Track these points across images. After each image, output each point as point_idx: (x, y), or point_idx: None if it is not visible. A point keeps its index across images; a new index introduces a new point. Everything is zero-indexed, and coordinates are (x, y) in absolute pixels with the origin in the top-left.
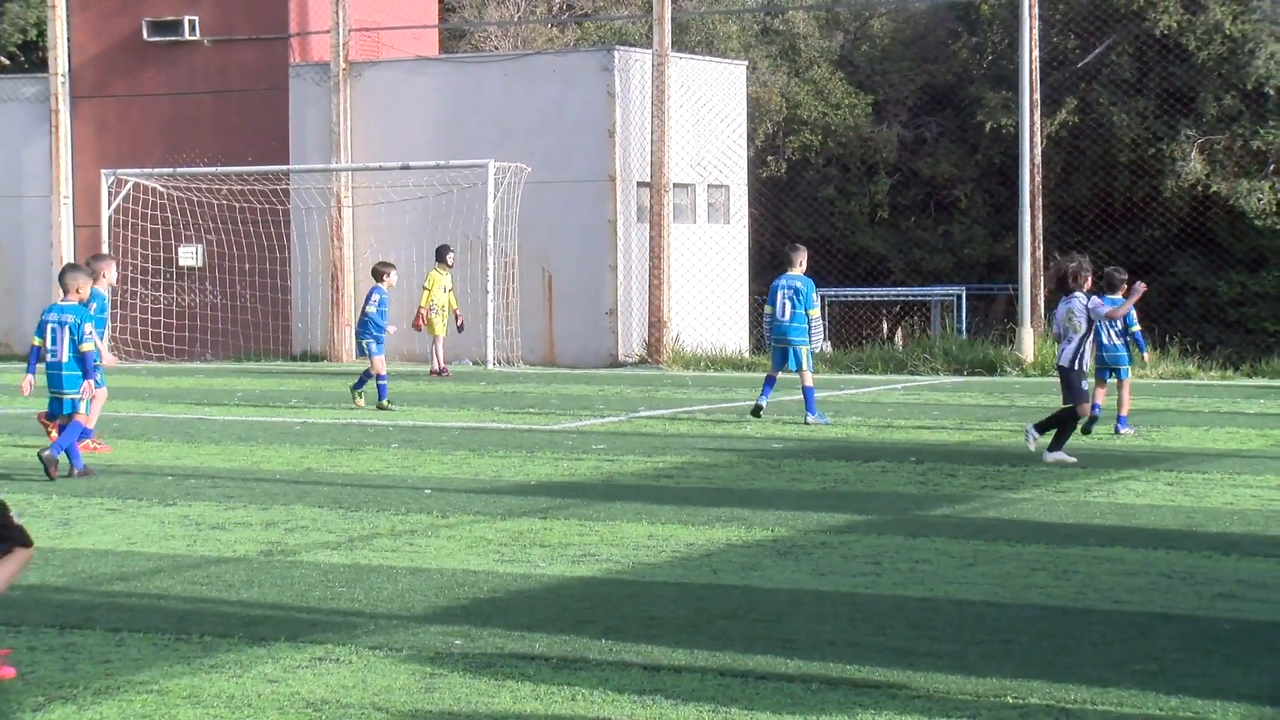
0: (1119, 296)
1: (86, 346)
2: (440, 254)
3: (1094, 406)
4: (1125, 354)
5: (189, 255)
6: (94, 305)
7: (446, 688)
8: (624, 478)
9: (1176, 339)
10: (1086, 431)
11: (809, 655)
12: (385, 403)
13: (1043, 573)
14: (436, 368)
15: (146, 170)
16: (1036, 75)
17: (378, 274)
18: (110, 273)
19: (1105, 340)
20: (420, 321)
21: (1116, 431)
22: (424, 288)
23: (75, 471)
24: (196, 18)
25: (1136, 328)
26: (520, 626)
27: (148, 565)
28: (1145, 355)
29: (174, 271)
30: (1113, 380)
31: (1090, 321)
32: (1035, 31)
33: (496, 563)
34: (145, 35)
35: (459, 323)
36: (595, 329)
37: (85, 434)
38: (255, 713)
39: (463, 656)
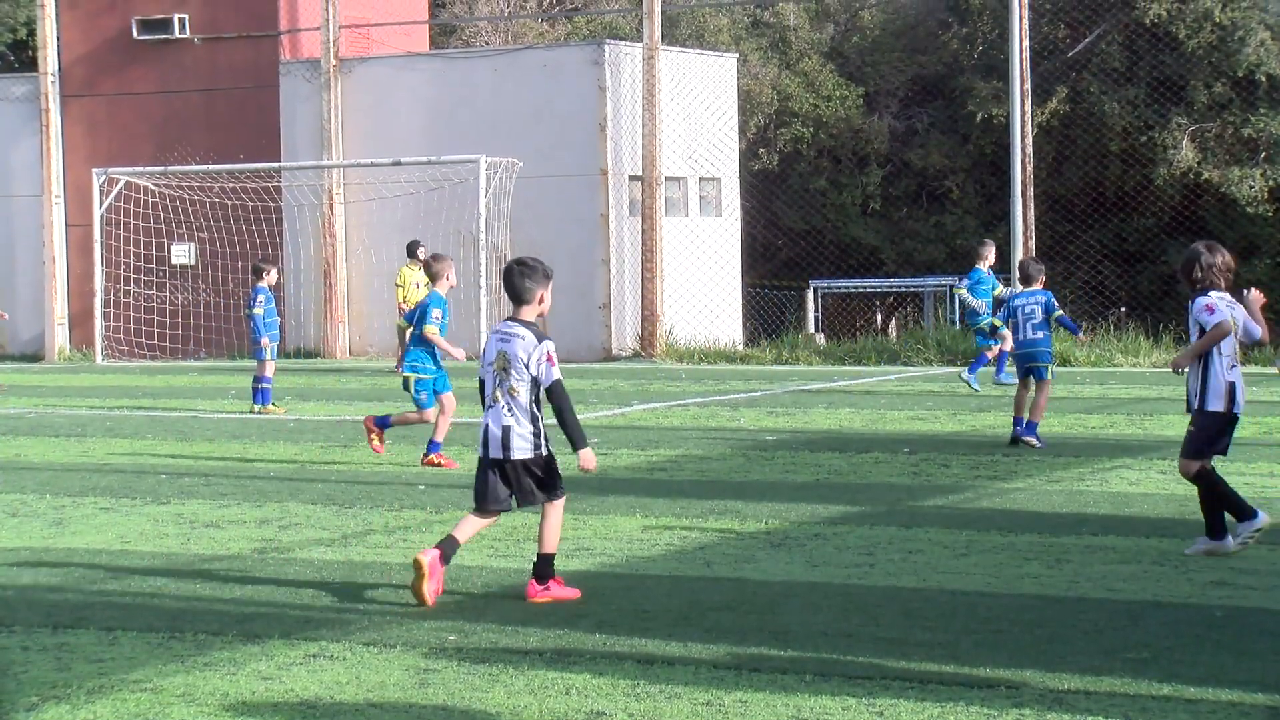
0: (1038, 287)
1: None
2: (410, 250)
3: (1017, 422)
4: (1047, 351)
5: (181, 253)
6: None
7: (440, 683)
8: (617, 471)
9: (1170, 327)
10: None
11: (802, 646)
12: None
13: (1036, 562)
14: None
15: (138, 169)
16: (1027, 65)
17: (259, 271)
18: (451, 274)
19: (1022, 336)
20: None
21: (1021, 439)
22: (396, 284)
23: None
24: (186, 16)
25: (1059, 312)
26: (514, 621)
27: (141, 564)
28: (1080, 336)
29: (166, 270)
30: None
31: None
32: (1025, 21)
33: (490, 558)
34: (135, 33)
35: None
36: (588, 323)
37: (432, 448)
38: (249, 710)
39: (456, 651)
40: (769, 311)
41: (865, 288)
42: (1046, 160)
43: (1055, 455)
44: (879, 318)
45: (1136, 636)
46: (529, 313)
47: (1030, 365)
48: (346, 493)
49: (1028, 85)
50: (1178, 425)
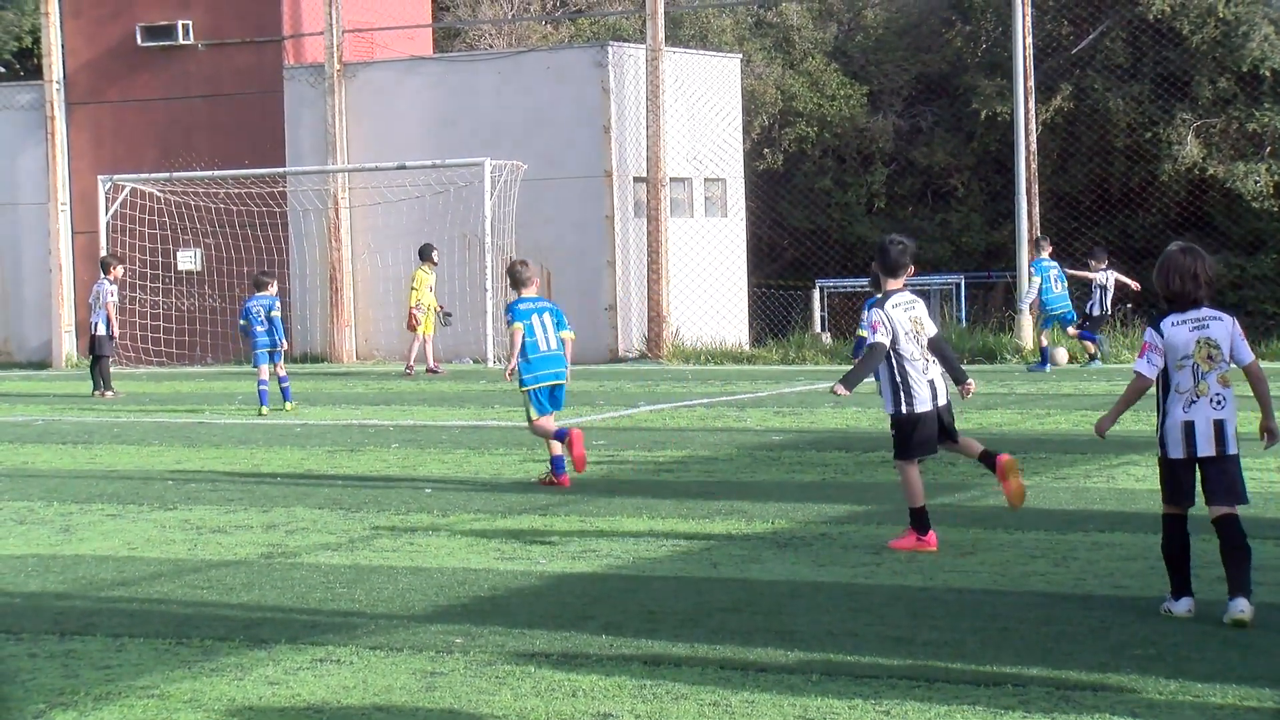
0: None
1: None
2: (425, 253)
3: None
4: None
5: (187, 259)
6: None
7: (447, 686)
8: (623, 472)
9: None
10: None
11: (809, 646)
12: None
13: (1042, 559)
14: (430, 366)
15: (143, 175)
16: (1030, 62)
17: (262, 284)
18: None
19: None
20: (413, 322)
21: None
22: (412, 288)
23: None
24: (190, 22)
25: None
26: (520, 624)
27: (148, 570)
28: None
29: (173, 276)
30: None
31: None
32: (1028, 19)
33: (496, 560)
34: (139, 40)
35: (442, 313)
36: (594, 325)
37: None
38: (256, 715)
39: (463, 655)
40: (775, 311)
41: (871, 287)
42: (1051, 158)
43: (1062, 453)
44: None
45: (1143, 634)
46: (900, 283)
47: None
48: (353, 497)
49: (1031, 83)
50: None
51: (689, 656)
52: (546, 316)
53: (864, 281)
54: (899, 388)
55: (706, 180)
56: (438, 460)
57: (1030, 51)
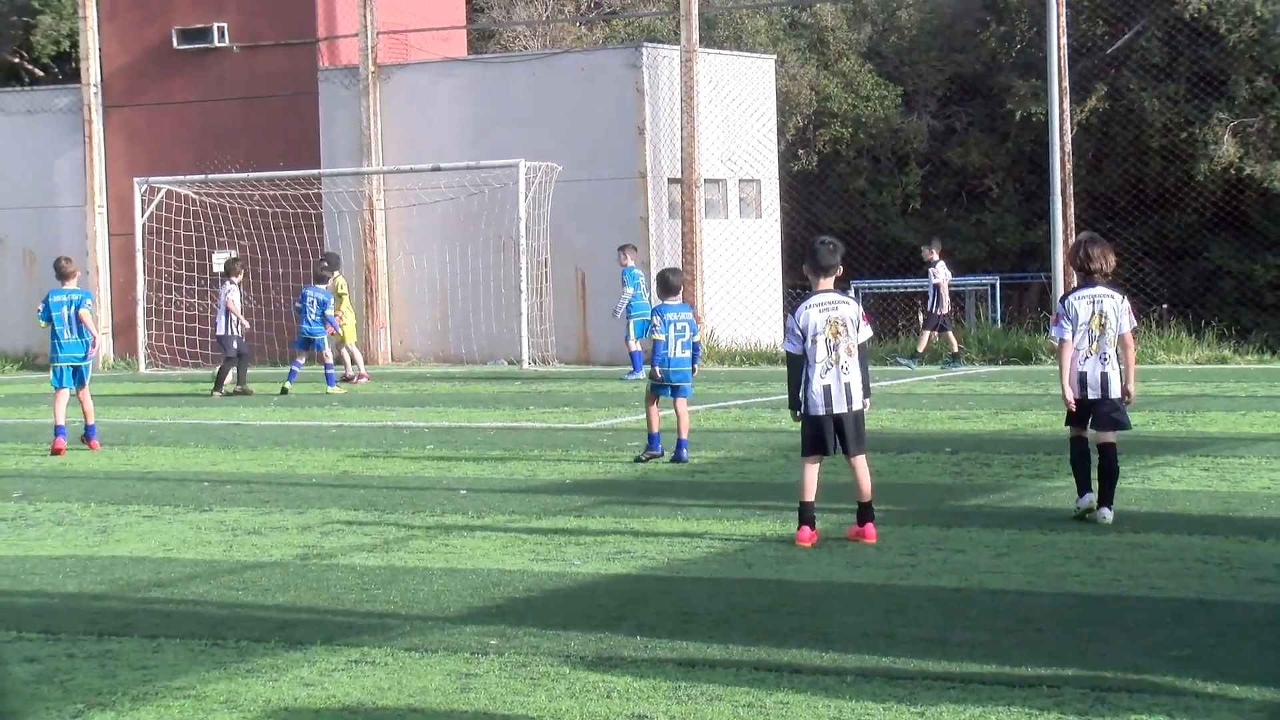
0: (679, 301)
1: None
2: (333, 263)
3: (655, 440)
4: (689, 371)
5: (223, 261)
6: None
7: (482, 688)
8: (658, 474)
9: (1212, 323)
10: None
11: (843, 647)
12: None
13: (1077, 560)
14: (346, 374)
15: (179, 177)
16: (1065, 62)
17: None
18: None
19: (673, 353)
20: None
21: (679, 458)
22: (339, 294)
23: None
24: (225, 24)
25: (698, 336)
26: (555, 625)
27: (184, 571)
28: (695, 368)
29: (208, 278)
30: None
31: None
32: (1063, 18)
33: (531, 561)
34: (175, 43)
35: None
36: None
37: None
38: (292, 716)
39: (498, 656)
40: None
41: (906, 287)
42: (1086, 158)
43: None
44: (920, 317)
45: (1179, 635)
46: (833, 282)
47: (679, 385)
48: (388, 498)
49: (1066, 83)
50: (1221, 422)
51: (723, 658)
52: (71, 309)
53: (900, 282)
54: (798, 388)
55: (741, 181)
56: (472, 462)
57: (1065, 52)
